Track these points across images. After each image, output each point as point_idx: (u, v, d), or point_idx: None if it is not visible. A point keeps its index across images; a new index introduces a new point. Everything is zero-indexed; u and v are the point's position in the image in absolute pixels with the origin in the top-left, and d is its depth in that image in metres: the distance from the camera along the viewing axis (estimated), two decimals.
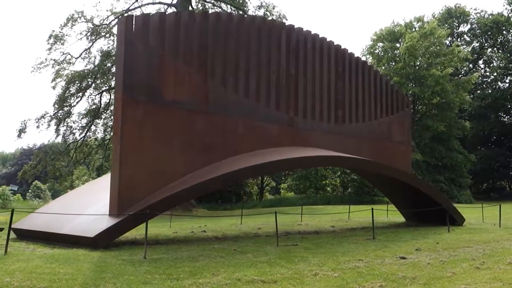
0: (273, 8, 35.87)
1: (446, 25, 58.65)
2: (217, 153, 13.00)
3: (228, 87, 13.69)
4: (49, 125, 34.88)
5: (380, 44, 52.28)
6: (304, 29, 16.35)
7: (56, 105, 35.16)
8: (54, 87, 36.00)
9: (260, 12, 35.90)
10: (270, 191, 57.66)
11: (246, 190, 49.09)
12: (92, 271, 8.12)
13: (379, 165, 16.34)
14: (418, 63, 49.53)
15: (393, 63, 50.64)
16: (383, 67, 50.43)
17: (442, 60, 48.91)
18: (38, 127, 34.47)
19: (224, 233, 14.80)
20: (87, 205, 11.93)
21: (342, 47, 17.76)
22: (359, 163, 15.91)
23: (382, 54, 51.62)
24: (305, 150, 14.85)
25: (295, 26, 16.09)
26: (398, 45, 50.47)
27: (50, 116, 34.95)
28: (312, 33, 16.68)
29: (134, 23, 11.58)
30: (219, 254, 10.04)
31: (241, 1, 36.46)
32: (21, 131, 33.88)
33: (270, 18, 35.43)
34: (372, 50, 52.73)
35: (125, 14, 12.57)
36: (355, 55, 18.32)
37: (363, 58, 53.60)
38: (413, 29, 51.29)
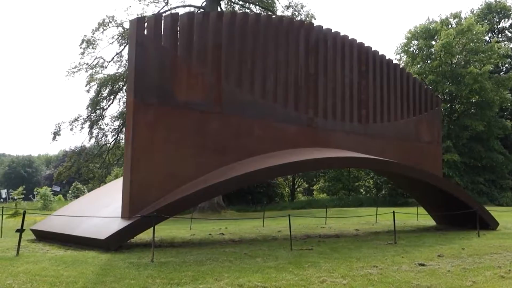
0: (302, 8, 35.46)
1: (486, 21, 56.60)
2: (231, 154, 12.78)
3: (243, 87, 13.46)
4: (82, 127, 35.60)
5: (415, 42, 50.94)
6: (324, 27, 15.95)
7: (89, 108, 35.85)
8: (88, 91, 36.73)
9: (289, 13, 35.54)
10: (304, 192, 57.14)
11: (277, 192, 48.72)
12: (96, 274, 8.05)
13: (403, 166, 15.76)
14: (455, 61, 48.00)
15: (429, 61, 49.24)
16: (418, 66, 49.15)
17: (481, 57, 47.22)
18: (71, 129, 35.23)
19: (242, 236, 14.58)
20: (102, 207, 11.95)
21: (365, 45, 17.24)
22: (380, 164, 15.39)
23: (417, 52, 50.27)
24: (324, 151, 14.45)
25: (315, 25, 15.72)
26: (433, 42, 48.99)
27: (83, 119, 35.66)
28: (333, 31, 16.25)
29: (146, 25, 11.50)
30: (228, 258, 9.82)
31: (269, 2, 36.17)
32: (56, 133, 34.70)
33: (298, 18, 35.08)
34: (406, 48, 51.42)
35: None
36: (380, 53, 17.73)
37: (397, 57, 52.79)
38: (450, 26, 49.72)
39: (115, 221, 10.72)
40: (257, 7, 37.14)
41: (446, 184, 16.98)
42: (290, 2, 35.62)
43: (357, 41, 17.02)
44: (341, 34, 16.51)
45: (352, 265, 9.34)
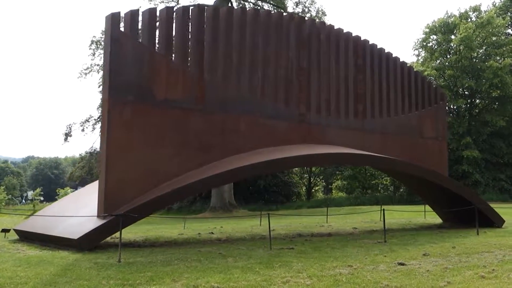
0: (311, 4, 34.92)
1: (508, 14, 54.91)
2: (216, 152, 12.52)
3: (229, 83, 13.18)
4: (94, 128, 35.83)
5: (433, 36, 49.75)
6: (317, 21, 15.57)
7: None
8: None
9: (298, 10, 35.09)
10: (323, 191, 56.50)
11: (294, 190, 48.26)
12: (52, 274, 7.89)
13: (400, 163, 15.22)
14: (474, 55, 46.72)
15: (448, 56, 48.03)
16: (437, 61, 48.02)
17: (502, 51, 45.85)
18: (83, 130, 35.50)
19: (231, 235, 14.30)
20: (82, 207, 11.84)
21: (362, 39, 16.74)
22: (375, 160, 14.90)
23: (435, 47, 49.10)
24: (316, 147, 14.05)
25: (307, 18, 15.37)
26: (452, 37, 47.74)
27: (95, 119, 35.90)
28: (327, 24, 15.85)
29: (122, 20, 11.33)
30: (199, 258, 9.56)
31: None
32: (67, 134, 35.06)
33: (308, 15, 34.60)
34: (424, 43, 50.26)
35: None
36: (378, 47, 17.20)
37: (416, 52, 51.71)
38: (469, 20, 48.36)
39: (90, 221, 10.58)
40: (268, 4, 36.78)
41: (446, 180, 16.34)
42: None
43: (353, 35, 16.54)
44: (336, 27, 16.08)
45: (325, 265, 8.97)
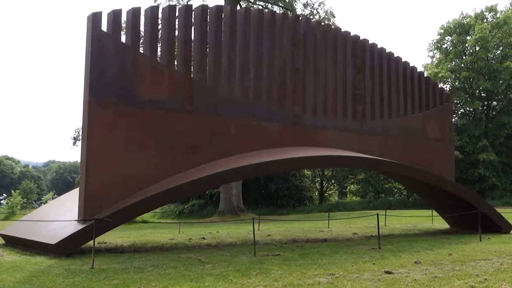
0: (319, 6, 34.43)
1: None
2: (204, 155, 12.16)
3: (218, 84, 12.84)
4: None
5: (448, 37, 48.75)
6: (312, 21, 15.15)
7: None
8: None
9: (306, 11, 34.63)
10: (338, 195, 55.75)
11: (306, 194, 47.66)
12: (17, 281, 7.64)
13: (399, 166, 14.67)
14: (491, 56, 45.63)
15: (464, 57, 46.98)
16: (452, 63, 47.01)
17: None
18: None
19: (223, 240, 13.91)
20: (66, 211, 11.57)
21: (361, 38, 16.24)
22: (372, 163, 14.37)
23: (450, 48, 48.09)
24: (311, 149, 13.60)
25: (301, 18, 14.96)
26: (468, 38, 46.69)
27: None
28: (323, 24, 15.41)
29: (103, 20, 11.06)
30: (175, 264, 9.20)
31: (289, 1, 35.37)
32: (76, 138, 35.11)
33: (316, 17, 34.15)
34: (439, 45, 49.29)
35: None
36: (378, 46, 16.68)
37: (430, 54, 50.76)
38: (485, 20, 47.27)
39: (70, 226, 10.31)
40: (277, 7, 36.44)
41: (448, 184, 15.69)
42: (307, 1, 34.68)
43: (352, 34, 16.06)
44: (334, 27, 15.65)
45: (306, 273, 8.52)
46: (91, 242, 13.18)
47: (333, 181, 48.75)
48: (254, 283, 7.62)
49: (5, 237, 12.38)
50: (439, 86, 18.90)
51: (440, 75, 45.78)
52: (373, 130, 16.05)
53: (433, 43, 50.01)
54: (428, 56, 51.00)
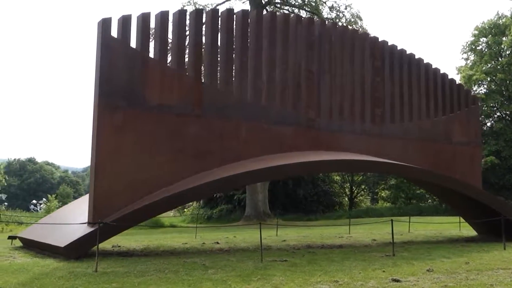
0: (346, 9, 33.97)
1: None
2: (214, 159, 12.10)
3: (229, 88, 12.77)
4: None
5: (483, 39, 47.32)
6: (327, 23, 14.91)
7: None
8: None
9: (332, 15, 34.23)
10: (371, 201, 54.79)
11: (335, 200, 47.03)
12: (18, 284, 7.72)
13: (419, 171, 14.22)
14: None
15: (500, 59, 45.50)
16: (488, 65, 45.59)
17: None
18: None
19: (237, 245, 13.79)
20: (81, 214, 11.70)
21: (380, 40, 15.90)
22: (388, 168, 13.99)
23: (485, 50, 46.66)
24: (325, 153, 13.36)
25: (316, 20, 14.76)
26: (504, 38, 45.20)
27: None
28: (340, 25, 15.17)
29: (114, 26, 11.20)
30: (178, 269, 9.13)
31: (315, 5, 35.08)
32: None
33: (342, 20, 33.73)
34: (473, 46, 47.89)
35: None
36: (398, 48, 16.28)
37: (464, 56, 49.39)
38: None
39: (80, 229, 10.41)
40: (303, 11, 36.20)
41: (470, 189, 15.10)
42: (332, 4, 34.31)
43: (371, 36, 15.75)
44: (351, 28, 15.36)
45: (309, 280, 8.31)
46: (105, 245, 13.41)
47: (363, 187, 47.93)
48: None
49: (22, 239, 12.63)
50: (467, 88, 18.21)
51: (474, 77, 44.49)
52: (393, 134, 15.65)
53: (467, 45, 48.63)
54: (462, 58, 49.69)
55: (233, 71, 12.92)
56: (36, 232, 12.24)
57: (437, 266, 9.95)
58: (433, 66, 17.16)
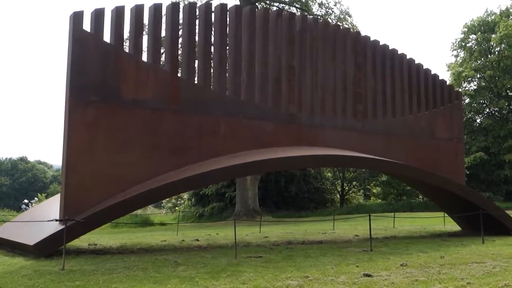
0: (335, 5, 33.84)
1: None
2: (191, 155, 11.94)
3: (208, 83, 12.62)
4: None
5: (473, 36, 47.38)
6: (309, 17, 14.77)
7: None
8: None
9: (322, 12, 34.09)
10: (364, 197, 54.80)
11: (326, 197, 47.01)
12: None
13: (399, 166, 14.13)
14: None
15: (489, 56, 45.56)
16: (478, 61, 45.64)
17: None
18: None
19: (216, 242, 13.68)
20: (53, 211, 11.51)
21: (362, 35, 15.79)
22: (370, 163, 13.87)
23: (475, 47, 46.72)
24: (306, 149, 13.23)
25: (297, 15, 14.61)
26: (493, 35, 45.25)
27: None
28: (321, 20, 15.06)
29: (85, 19, 10.98)
30: (147, 266, 8.97)
31: (305, 1, 34.94)
32: None
33: (332, 16, 33.64)
34: (463, 43, 47.95)
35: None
36: (387, 45, 16.17)
37: (454, 53, 49.40)
38: (510, 17, 45.77)
39: (51, 227, 10.23)
40: (294, 8, 36.09)
41: (452, 185, 15.02)
42: (322, 0, 34.15)
43: (352, 31, 15.64)
44: (332, 24, 15.23)
45: (279, 276, 8.17)
46: (82, 243, 13.26)
47: (354, 183, 47.93)
48: (219, 286, 7.34)
49: None
50: (450, 84, 18.14)
51: (464, 74, 44.59)
52: (376, 129, 15.55)
53: (457, 42, 48.72)
54: (452, 55, 49.60)
55: (212, 65, 12.75)
56: (8, 230, 12.04)
57: (412, 260, 9.86)
58: (424, 63, 17.24)
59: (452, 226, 18.93)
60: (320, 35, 14.75)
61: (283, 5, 36.25)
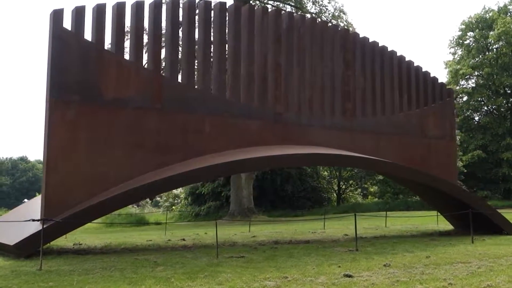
0: (329, 3, 33.69)
1: None
2: (176, 154, 11.81)
3: (192, 81, 12.49)
4: None
5: (471, 33, 47.19)
6: (295, 14, 14.63)
7: None
8: None
9: (316, 9, 33.94)
10: (362, 196, 54.66)
11: (323, 196, 46.88)
12: None
13: (388, 164, 14.00)
14: None
15: (487, 53, 45.36)
16: (476, 59, 45.46)
17: None
18: None
19: (202, 241, 13.58)
20: (37, 211, 11.39)
21: (351, 32, 15.67)
22: (356, 161, 13.76)
23: (472, 44, 46.54)
24: (292, 148, 13.10)
25: (283, 12, 14.46)
26: (491, 32, 45.05)
27: None
28: (308, 17, 14.91)
29: (66, 17, 10.86)
30: (126, 266, 8.86)
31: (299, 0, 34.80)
32: None
33: (326, 14, 33.50)
34: (460, 41, 47.77)
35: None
36: (370, 40, 16.03)
37: (451, 50, 49.23)
38: (508, 14, 45.60)
39: (31, 227, 10.12)
40: (288, 6, 35.96)
41: (442, 183, 14.86)
42: None
43: (340, 28, 15.51)
44: (320, 21, 15.10)
45: (258, 276, 8.05)
46: (66, 242, 13.15)
47: (351, 182, 47.78)
48: (195, 287, 7.22)
49: None
50: (441, 82, 17.99)
51: (461, 72, 44.43)
52: (365, 128, 15.41)
53: (454, 40, 48.52)
54: (450, 53, 49.44)
55: (195, 64, 12.63)
56: None
57: (396, 260, 9.73)
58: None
59: (445, 225, 18.78)
60: (307, 32, 14.61)
61: (278, 2, 36.12)
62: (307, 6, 34.74)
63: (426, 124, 16.95)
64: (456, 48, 48.70)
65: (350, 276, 8.17)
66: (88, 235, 17.79)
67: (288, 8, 35.83)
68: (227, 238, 14.36)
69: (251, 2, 34.74)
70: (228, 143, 12.61)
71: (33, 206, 12.59)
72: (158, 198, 57.71)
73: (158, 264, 9.16)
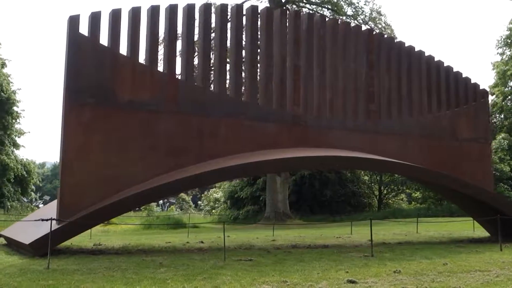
0: (365, 4, 33.05)
1: None
2: (190, 157, 11.86)
3: (208, 83, 12.52)
4: None
5: None
6: (316, 15, 14.41)
7: None
8: None
9: (350, 11, 33.40)
10: (409, 202, 53.28)
11: (363, 201, 45.97)
12: None
13: (414, 168, 13.51)
14: None
15: None
16: None
17: None
18: None
19: (220, 244, 13.51)
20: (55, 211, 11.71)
21: (375, 33, 15.30)
22: (379, 165, 13.36)
23: None
24: (307, 150, 12.88)
25: (302, 13, 14.28)
26: None
27: None
28: (329, 18, 14.64)
29: (82, 23, 11.15)
30: (130, 267, 8.95)
31: (336, 2, 34.36)
32: None
33: (361, 16, 32.92)
34: (509, 40, 45.72)
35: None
36: (396, 41, 15.60)
37: (499, 51, 47.23)
38: None
39: (47, 226, 10.39)
40: (326, 9, 35.62)
41: (471, 188, 14.21)
42: (351, 0, 33.41)
43: (364, 29, 15.15)
44: (342, 21, 14.84)
45: (258, 279, 7.95)
46: (87, 243, 13.44)
47: (393, 187, 46.62)
48: None
49: (5, 237, 12.79)
50: (475, 82, 17.23)
51: (509, 73, 42.57)
52: (390, 130, 14.96)
53: (502, 39, 46.47)
54: (497, 53, 47.40)
55: (211, 66, 12.66)
56: (15, 229, 12.38)
57: (410, 267, 9.35)
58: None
59: (481, 232, 17.95)
60: (329, 33, 14.35)
61: (314, 6, 35.83)
62: (343, 9, 34.25)
63: (457, 126, 16.28)
64: (504, 48, 46.63)
65: (353, 282, 7.91)
66: (117, 236, 18.15)
67: (325, 12, 35.51)
68: (246, 242, 14.27)
69: (287, 6, 34.69)
70: (243, 146, 12.54)
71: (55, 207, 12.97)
72: (200, 202, 58.70)
73: (163, 265, 9.19)
